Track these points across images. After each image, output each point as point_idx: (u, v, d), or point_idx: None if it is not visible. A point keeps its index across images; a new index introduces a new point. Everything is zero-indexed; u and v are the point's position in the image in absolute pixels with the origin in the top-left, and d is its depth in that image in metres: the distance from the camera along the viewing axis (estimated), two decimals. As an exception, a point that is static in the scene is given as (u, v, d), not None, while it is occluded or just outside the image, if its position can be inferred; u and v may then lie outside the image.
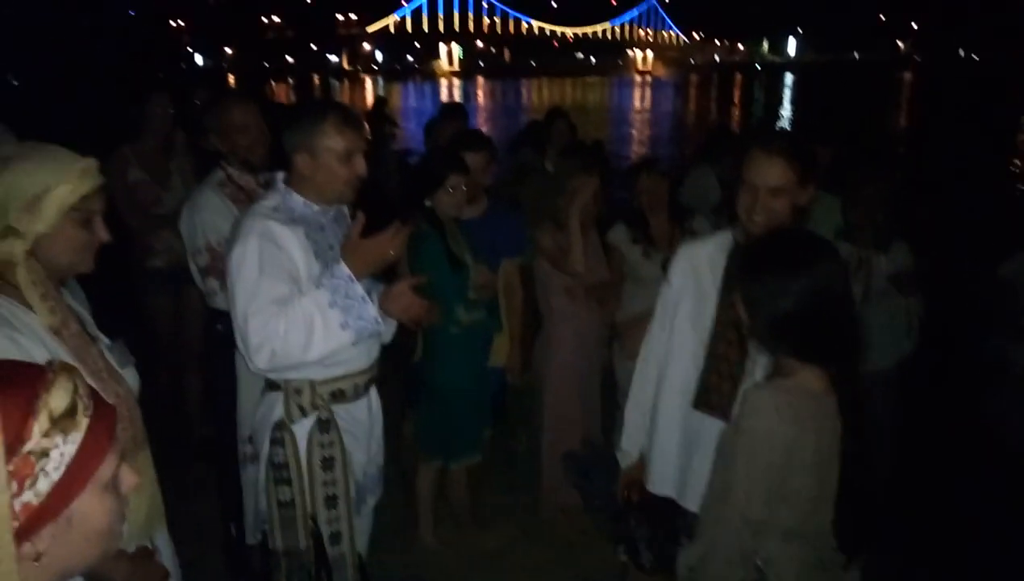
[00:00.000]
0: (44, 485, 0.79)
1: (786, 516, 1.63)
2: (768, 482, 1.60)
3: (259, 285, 1.96)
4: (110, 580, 1.45)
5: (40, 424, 0.79)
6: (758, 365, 1.89)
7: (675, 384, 2.19)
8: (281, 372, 2.07)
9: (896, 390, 3.43)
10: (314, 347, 1.95)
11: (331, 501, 2.14)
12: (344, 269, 1.99)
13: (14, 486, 0.76)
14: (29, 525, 0.79)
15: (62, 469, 0.80)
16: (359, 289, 1.99)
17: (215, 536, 3.07)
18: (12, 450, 0.76)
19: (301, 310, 1.94)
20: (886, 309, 3.34)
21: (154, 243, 3.80)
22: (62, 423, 0.80)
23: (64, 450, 0.80)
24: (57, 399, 0.81)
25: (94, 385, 1.50)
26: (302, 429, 2.12)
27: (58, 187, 1.45)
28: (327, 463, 2.13)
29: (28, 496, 0.78)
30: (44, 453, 0.79)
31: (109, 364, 1.62)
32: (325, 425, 2.13)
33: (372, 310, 2.01)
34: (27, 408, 0.79)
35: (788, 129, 27.05)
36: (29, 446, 0.78)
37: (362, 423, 2.25)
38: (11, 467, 0.75)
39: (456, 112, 5.21)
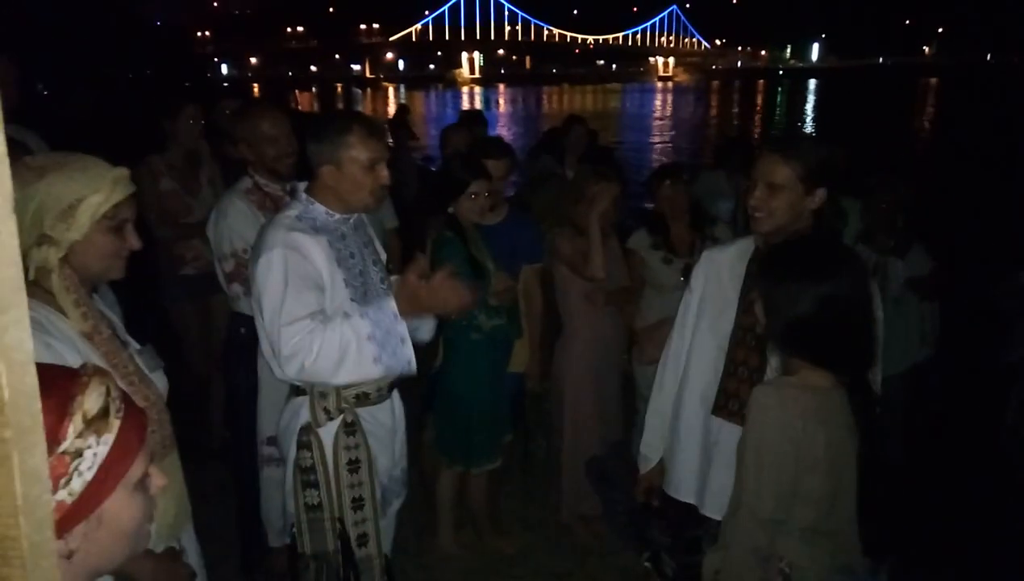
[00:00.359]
0: (77, 484, 0.81)
1: (803, 515, 1.64)
2: (778, 478, 1.61)
3: (289, 296, 2.00)
4: (136, 578, 1.49)
5: (74, 425, 0.81)
6: (776, 370, 1.90)
7: (695, 390, 2.19)
8: (307, 382, 2.12)
9: (910, 395, 3.41)
10: (343, 372, 2.00)
11: (358, 503, 2.17)
12: (392, 306, 2.03)
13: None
14: (62, 523, 0.81)
15: (94, 469, 0.82)
16: (402, 329, 2.03)
17: (236, 538, 3.11)
18: (48, 450, 0.79)
19: (340, 334, 1.97)
20: (901, 314, 3.33)
21: (184, 252, 3.86)
22: (95, 424, 0.83)
23: (97, 451, 0.83)
24: (91, 401, 0.83)
25: (125, 389, 1.55)
26: (328, 432, 2.15)
27: (92, 196, 1.49)
28: (353, 465, 2.16)
29: (62, 495, 0.80)
30: (78, 453, 0.81)
31: (139, 368, 1.66)
32: (350, 428, 2.16)
33: (409, 353, 2.04)
34: (62, 410, 0.81)
35: (804, 132, 26.87)
36: (64, 446, 0.80)
37: (386, 426, 2.28)
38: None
39: (474, 119, 5.25)
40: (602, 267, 3.22)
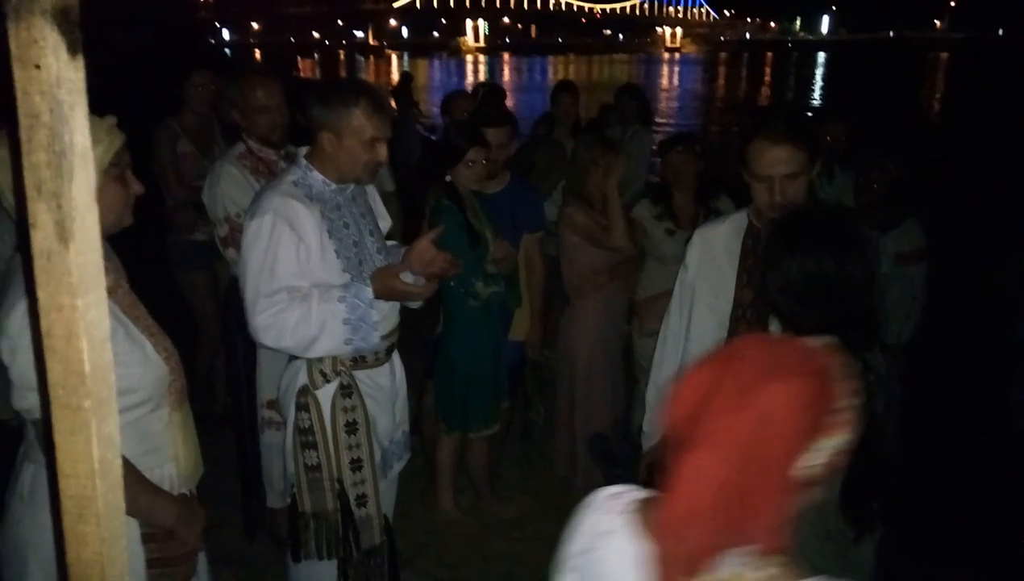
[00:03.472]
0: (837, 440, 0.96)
1: None
2: None
3: (274, 266, 2.04)
4: (160, 522, 1.62)
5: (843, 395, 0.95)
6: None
7: None
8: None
9: (903, 367, 3.43)
10: (314, 349, 2.10)
11: (356, 464, 2.21)
12: (369, 294, 2.11)
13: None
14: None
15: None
16: (375, 316, 2.13)
17: (239, 502, 3.15)
18: (824, 408, 0.93)
19: (316, 313, 2.05)
20: (893, 290, 3.34)
21: (197, 216, 3.85)
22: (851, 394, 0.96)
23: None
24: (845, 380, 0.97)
25: (148, 341, 1.58)
26: (325, 394, 2.19)
27: (96, 148, 1.50)
28: (351, 427, 2.20)
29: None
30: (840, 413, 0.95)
31: (155, 323, 1.69)
32: (347, 390, 2.20)
33: (377, 338, 2.16)
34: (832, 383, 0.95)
35: (788, 106, 26.57)
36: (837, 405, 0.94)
37: (385, 389, 2.32)
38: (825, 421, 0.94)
39: (494, 93, 5.25)
40: (624, 236, 3.23)
